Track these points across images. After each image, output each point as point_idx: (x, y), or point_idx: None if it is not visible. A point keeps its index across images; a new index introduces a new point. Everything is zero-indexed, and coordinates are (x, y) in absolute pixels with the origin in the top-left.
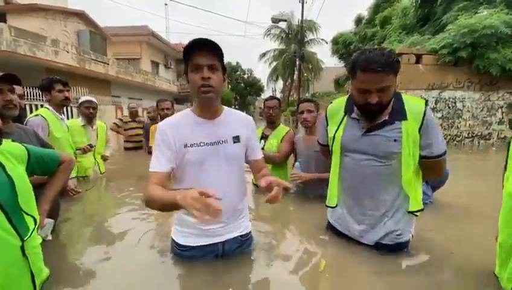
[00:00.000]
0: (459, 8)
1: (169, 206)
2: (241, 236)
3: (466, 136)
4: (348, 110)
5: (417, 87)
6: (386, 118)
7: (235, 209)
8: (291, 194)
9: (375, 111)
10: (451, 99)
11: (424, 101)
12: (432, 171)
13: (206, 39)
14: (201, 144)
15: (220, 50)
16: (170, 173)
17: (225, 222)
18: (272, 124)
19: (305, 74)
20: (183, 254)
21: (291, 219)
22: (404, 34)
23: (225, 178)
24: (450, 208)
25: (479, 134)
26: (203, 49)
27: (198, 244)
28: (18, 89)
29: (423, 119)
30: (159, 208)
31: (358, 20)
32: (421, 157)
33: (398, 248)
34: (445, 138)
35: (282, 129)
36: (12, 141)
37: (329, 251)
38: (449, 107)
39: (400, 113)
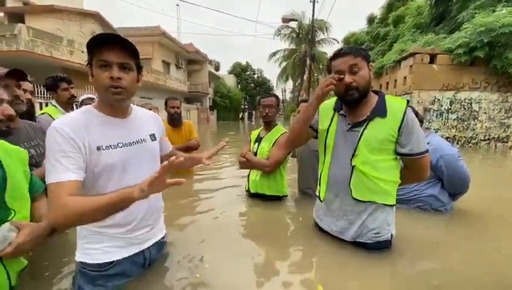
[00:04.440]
0: (476, 6)
1: (117, 207)
2: (161, 238)
3: (482, 138)
4: (337, 108)
5: (431, 88)
6: (368, 114)
7: (158, 210)
8: (292, 194)
9: (356, 97)
10: (466, 101)
11: (406, 101)
12: (415, 170)
13: (118, 35)
14: (119, 145)
15: (134, 48)
16: (82, 183)
17: (151, 225)
18: (268, 124)
19: (316, 74)
20: (103, 274)
21: (285, 217)
22: (418, 33)
23: None
24: (465, 215)
25: (496, 136)
26: (114, 46)
27: (126, 255)
28: (28, 85)
29: (403, 118)
30: (98, 217)
31: (371, 20)
32: (402, 154)
33: (378, 247)
34: (459, 140)
35: (277, 131)
36: (20, 137)
37: (314, 249)
38: (464, 109)
39: (380, 111)
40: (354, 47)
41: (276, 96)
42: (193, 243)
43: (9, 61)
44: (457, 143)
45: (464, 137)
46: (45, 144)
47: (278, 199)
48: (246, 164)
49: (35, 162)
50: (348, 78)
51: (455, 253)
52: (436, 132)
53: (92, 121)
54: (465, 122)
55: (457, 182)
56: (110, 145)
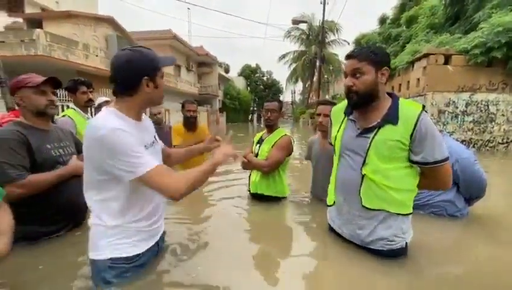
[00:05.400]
0: (493, 6)
1: (212, 172)
2: (164, 230)
3: (500, 141)
4: (347, 112)
5: (445, 90)
6: (379, 120)
7: (165, 204)
8: (305, 198)
9: (355, 101)
10: (483, 102)
11: (421, 106)
12: (432, 178)
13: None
14: (151, 144)
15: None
16: None
17: (161, 218)
18: (270, 128)
19: (326, 76)
20: (132, 266)
21: (297, 221)
22: (432, 33)
23: None
24: (482, 220)
25: None
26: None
27: (147, 247)
28: None
29: (415, 125)
30: (203, 182)
31: (383, 20)
32: (416, 163)
33: (393, 255)
34: (476, 144)
35: (277, 133)
36: (51, 138)
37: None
38: (481, 111)
39: (392, 117)
40: (363, 50)
41: (279, 101)
42: (188, 240)
43: (27, 65)
44: (474, 146)
45: (481, 140)
46: (71, 144)
47: (277, 199)
48: (248, 164)
49: (63, 161)
50: (347, 81)
51: (470, 260)
52: (451, 135)
53: (128, 123)
54: (482, 125)
55: (474, 186)
56: (148, 144)
